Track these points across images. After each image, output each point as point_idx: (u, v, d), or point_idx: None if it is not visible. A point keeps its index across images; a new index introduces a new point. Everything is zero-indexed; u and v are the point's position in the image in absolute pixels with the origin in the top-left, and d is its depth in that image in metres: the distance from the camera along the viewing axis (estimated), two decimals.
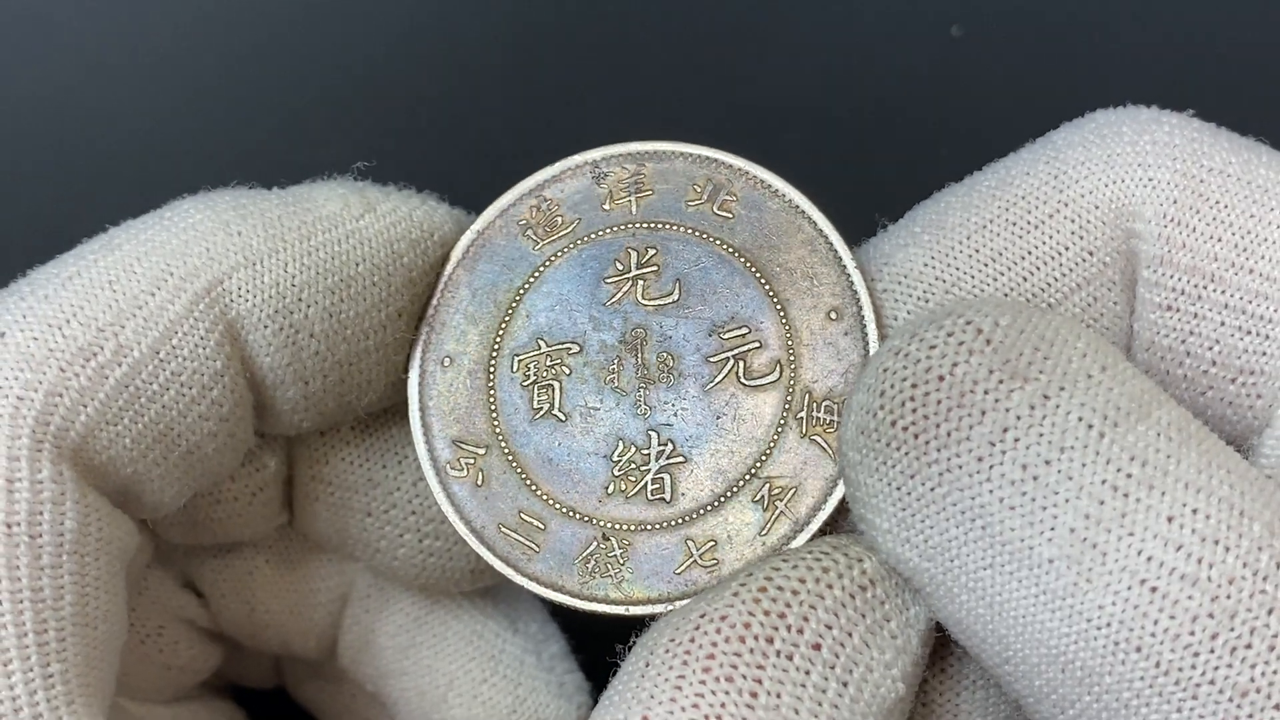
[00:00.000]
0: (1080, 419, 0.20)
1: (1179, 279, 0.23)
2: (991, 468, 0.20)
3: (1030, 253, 0.24)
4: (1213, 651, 0.19)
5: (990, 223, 0.24)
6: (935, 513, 0.20)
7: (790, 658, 0.20)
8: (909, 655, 0.21)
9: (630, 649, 0.22)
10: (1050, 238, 0.24)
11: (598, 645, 0.25)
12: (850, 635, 0.21)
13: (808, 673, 0.20)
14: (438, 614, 0.30)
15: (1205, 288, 0.23)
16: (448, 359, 0.26)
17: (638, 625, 0.23)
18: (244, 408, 0.25)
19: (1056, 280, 0.24)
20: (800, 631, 0.20)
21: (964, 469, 0.20)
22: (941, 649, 0.23)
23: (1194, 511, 0.19)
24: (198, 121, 0.40)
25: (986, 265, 0.24)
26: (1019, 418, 0.20)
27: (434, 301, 0.26)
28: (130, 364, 0.23)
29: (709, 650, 0.20)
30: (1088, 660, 0.19)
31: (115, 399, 0.23)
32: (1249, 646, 0.19)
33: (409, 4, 0.40)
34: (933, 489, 0.20)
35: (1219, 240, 0.23)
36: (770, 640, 0.20)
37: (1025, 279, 0.24)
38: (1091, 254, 0.24)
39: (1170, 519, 0.19)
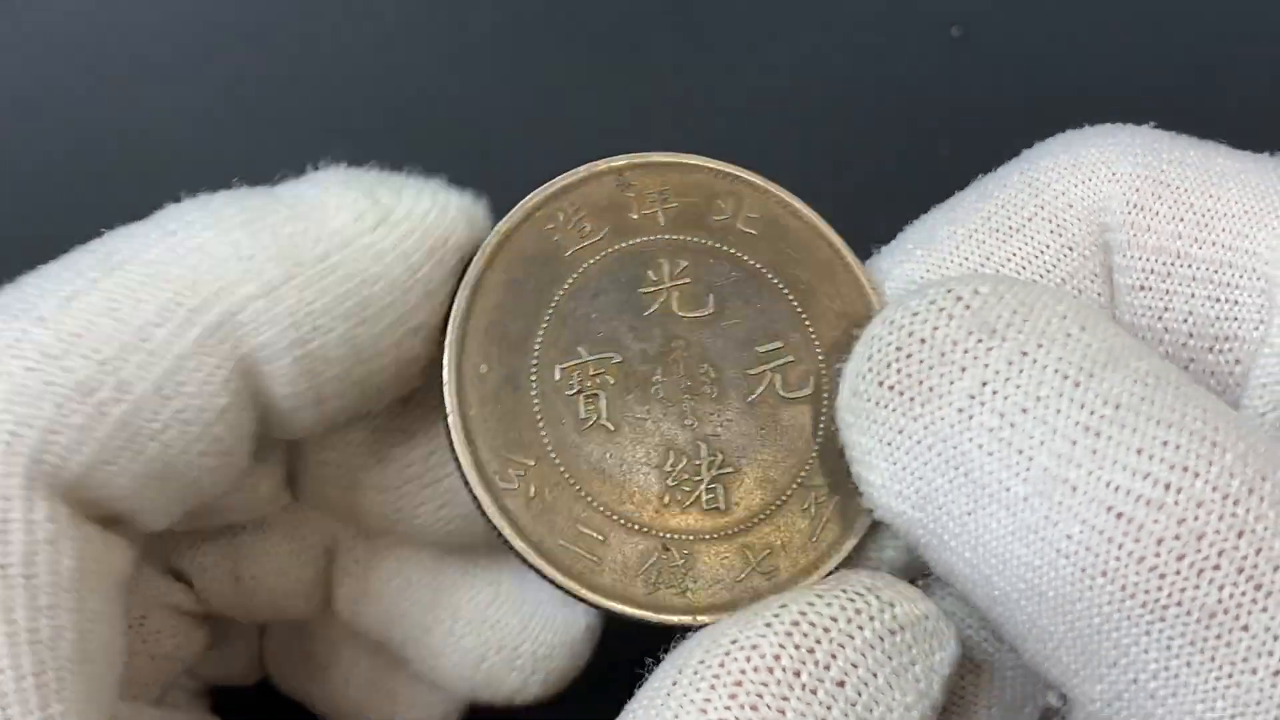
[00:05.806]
0: (1056, 371, 0.21)
1: (1148, 259, 0.24)
2: (971, 418, 0.21)
3: (1015, 255, 0.25)
4: (1179, 573, 0.19)
5: (975, 232, 0.25)
6: (922, 464, 0.21)
7: (814, 691, 0.21)
8: (929, 700, 0.22)
9: (656, 664, 0.22)
10: (1031, 239, 0.25)
11: (619, 648, 0.26)
12: (875, 675, 0.21)
13: (829, 708, 0.21)
14: (430, 550, 0.30)
15: (1173, 264, 0.24)
16: (484, 368, 0.25)
17: (663, 632, 0.23)
18: (246, 440, 0.24)
19: (1042, 277, 0.25)
20: (827, 668, 0.21)
21: (945, 420, 0.21)
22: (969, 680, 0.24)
23: (1164, 444, 0.20)
24: (193, 117, 0.39)
25: (976, 271, 0.25)
26: (997, 372, 0.21)
27: (462, 307, 0.25)
28: (132, 402, 0.22)
29: (737, 677, 0.21)
30: (1059, 588, 0.20)
31: (114, 439, 0.22)
32: (1217, 568, 0.19)
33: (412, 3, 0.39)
34: (919, 442, 0.21)
35: (1181, 220, 0.24)
36: (797, 674, 0.21)
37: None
38: (1071, 249, 0.25)
39: (1139, 450, 0.20)
